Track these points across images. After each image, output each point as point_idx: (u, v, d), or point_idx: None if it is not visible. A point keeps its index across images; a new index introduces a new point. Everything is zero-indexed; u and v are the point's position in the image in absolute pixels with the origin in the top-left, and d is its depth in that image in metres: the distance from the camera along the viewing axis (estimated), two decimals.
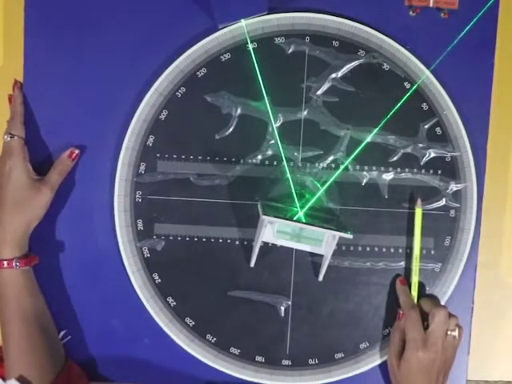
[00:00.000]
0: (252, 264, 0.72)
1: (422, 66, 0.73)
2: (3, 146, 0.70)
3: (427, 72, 0.73)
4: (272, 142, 0.73)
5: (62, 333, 0.73)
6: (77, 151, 0.71)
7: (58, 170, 0.71)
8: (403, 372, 0.69)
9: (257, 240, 0.70)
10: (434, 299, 0.74)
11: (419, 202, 0.73)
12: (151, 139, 0.72)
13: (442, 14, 0.73)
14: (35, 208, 0.69)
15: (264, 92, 0.72)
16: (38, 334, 0.68)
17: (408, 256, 0.74)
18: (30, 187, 0.69)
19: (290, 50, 0.73)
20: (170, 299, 0.74)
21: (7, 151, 0.69)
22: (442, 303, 0.74)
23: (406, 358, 0.68)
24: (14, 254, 0.67)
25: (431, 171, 0.74)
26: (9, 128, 0.70)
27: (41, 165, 0.72)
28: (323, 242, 0.71)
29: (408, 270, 0.74)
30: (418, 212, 0.72)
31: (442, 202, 0.74)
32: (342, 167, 0.73)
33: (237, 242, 0.74)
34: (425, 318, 0.70)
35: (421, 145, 0.74)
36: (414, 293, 0.72)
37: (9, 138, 0.69)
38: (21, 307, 0.67)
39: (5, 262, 0.67)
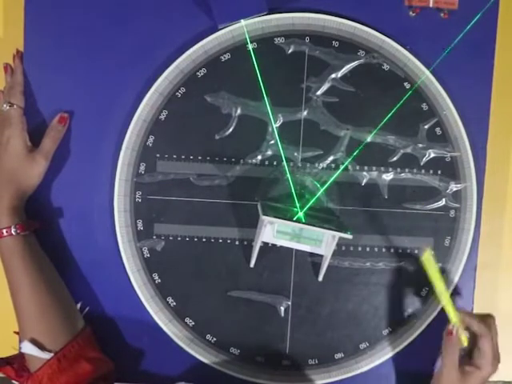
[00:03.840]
0: (252, 264, 0.72)
1: (421, 66, 0.73)
2: (1, 115, 0.69)
3: (427, 72, 0.73)
4: (272, 142, 0.73)
5: (79, 304, 0.72)
6: (66, 115, 0.71)
7: (51, 137, 0.70)
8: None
9: (257, 240, 0.70)
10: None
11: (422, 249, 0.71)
12: (151, 139, 0.72)
13: (442, 14, 0.73)
14: (30, 178, 0.69)
15: (264, 92, 0.72)
16: (47, 300, 0.67)
17: (409, 256, 0.74)
18: (26, 157, 0.68)
19: (290, 50, 0.73)
20: (169, 299, 0.74)
21: (5, 120, 0.68)
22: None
23: (482, 374, 0.67)
24: (12, 222, 0.67)
25: (431, 171, 0.74)
26: (7, 97, 0.69)
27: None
28: (323, 242, 0.71)
29: (404, 270, 0.74)
30: (427, 256, 0.68)
31: (442, 202, 0.74)
32: (341, 167, 0.73)
33: (237, 242, 0.74)
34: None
35: (421, 145, 0.74)
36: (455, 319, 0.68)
37: (8, 107, 0.68)
38: (28, 274, 0.66)
39: (4, 231, 0.66)
